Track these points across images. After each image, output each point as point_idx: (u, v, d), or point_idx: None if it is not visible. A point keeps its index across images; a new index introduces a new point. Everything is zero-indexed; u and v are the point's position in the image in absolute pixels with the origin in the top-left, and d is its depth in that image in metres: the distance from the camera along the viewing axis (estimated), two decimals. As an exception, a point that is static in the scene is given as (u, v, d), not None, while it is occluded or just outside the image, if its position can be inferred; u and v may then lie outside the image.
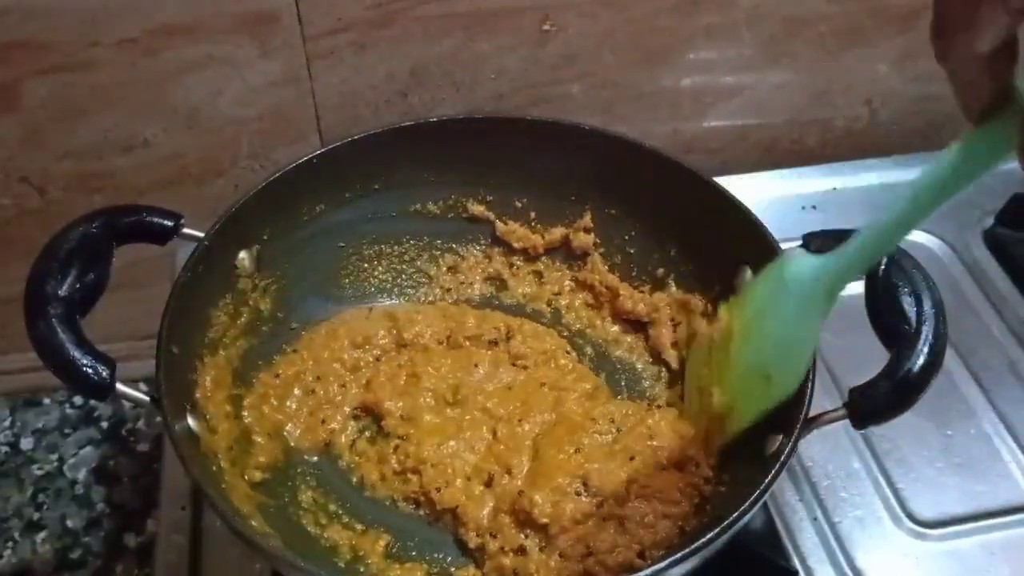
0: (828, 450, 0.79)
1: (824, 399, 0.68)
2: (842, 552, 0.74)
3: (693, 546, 0.56)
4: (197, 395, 0.69)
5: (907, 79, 1.05)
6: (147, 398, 0.62)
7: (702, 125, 1.05)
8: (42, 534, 0.86)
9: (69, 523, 0.86)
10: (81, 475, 0.90)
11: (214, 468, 0.66)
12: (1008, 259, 0.96)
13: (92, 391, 0.61)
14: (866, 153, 1.06)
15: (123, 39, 0.80)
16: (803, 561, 0.73)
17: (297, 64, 0.88)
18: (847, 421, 0.64)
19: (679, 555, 0.56)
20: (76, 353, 0.60)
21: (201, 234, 0.70)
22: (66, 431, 0.92)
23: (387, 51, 0.89)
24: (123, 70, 0.82)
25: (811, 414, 0.62)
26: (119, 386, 0.61)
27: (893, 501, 0.77)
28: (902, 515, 0.76)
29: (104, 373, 0.60)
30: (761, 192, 0.99)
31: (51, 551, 0.85)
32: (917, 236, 0.98)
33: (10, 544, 0.85)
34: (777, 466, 0.59)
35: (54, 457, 0.91)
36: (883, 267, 0.65)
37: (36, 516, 0.87)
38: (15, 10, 0.77)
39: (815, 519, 0.76)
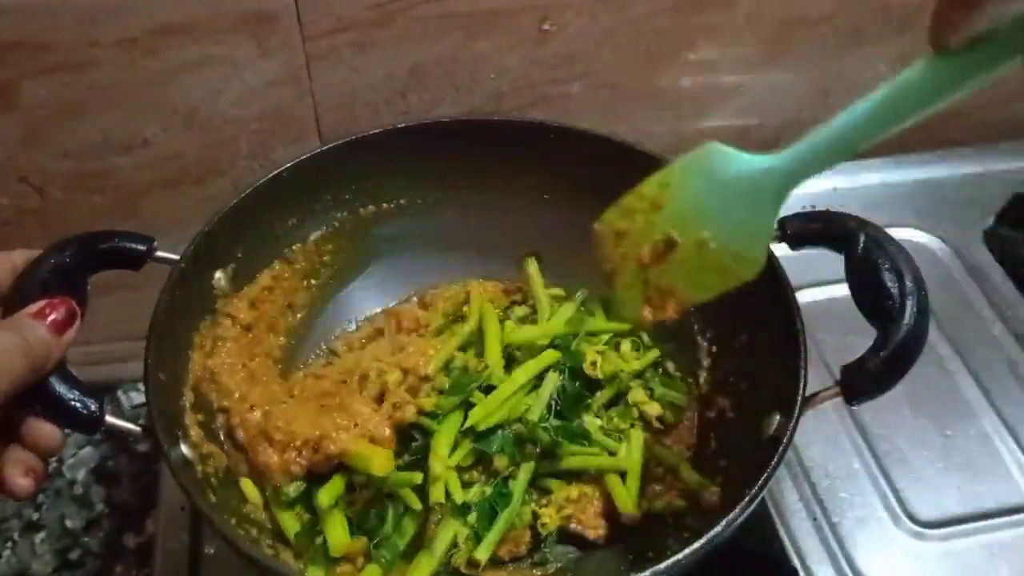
0: (828, 450, 0.79)
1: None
2: (842, 552, 0.74)
3: (703, 540, 0.56)
4: (186, 421, 0.68)
5: (907, 79, 1.05)
6: (139, 429, 0.61)
7: (702, 125, 1.04)
8: (41, 534, 0.85)
9: (68, 523, 0.86)
10: (80, 475, 0.90)
11: (210, 494, 0.65)
12: (1008, 259, 0.95)
13: (82, 426, 0.59)
14: (866, 153, 1.06)
15: (122, 39, 0.80)
16: (803, 561, 0.73)
17: (297, 64, 0.87)
18: (848, 419, 0.70)
19: (688, 551, 0.56)
20: (62, 389, 0.58)
21: (175, 256, 0.69)
22: (65, 431, 0.92)
23: (387, 51, 0.89)
24: (122, 70, 0.82)
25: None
26: (109, 419, 0.59)
27: (893, 501, 0.77)
28: (902, 515, 0.76)
29: (93, 407, 0.58)
30: (761, 192, 0.98)
31: (50, 551, 0.84)
32: (917, 236, 0.98)
33: (9, 544, 0.85)
34: (782, 447, 0.59)
35: (53, 457, 0.91)
36: (861, 246, 0.65)
37: (35, 516, 0.87)
38: (14, 10, 0.77)
39: (815, 519, 0.75)
